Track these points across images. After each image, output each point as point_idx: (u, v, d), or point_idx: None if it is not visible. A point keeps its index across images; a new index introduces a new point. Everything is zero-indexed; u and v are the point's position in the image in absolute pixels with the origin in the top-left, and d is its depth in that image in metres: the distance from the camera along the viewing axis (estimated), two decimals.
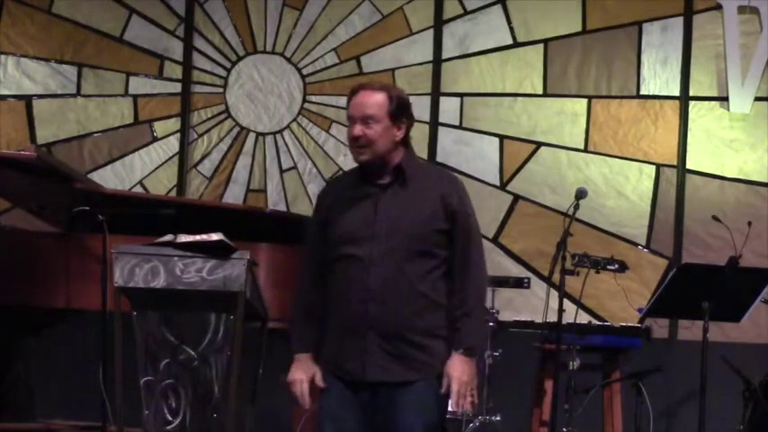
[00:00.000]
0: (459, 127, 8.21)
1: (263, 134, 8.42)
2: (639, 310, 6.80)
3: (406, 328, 4.05)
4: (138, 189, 8.33)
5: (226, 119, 8.46)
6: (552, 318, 6.38)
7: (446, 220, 4.12)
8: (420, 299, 4.06)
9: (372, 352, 4.05)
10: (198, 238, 4.84)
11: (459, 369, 4.07)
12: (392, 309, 4.03)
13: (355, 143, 4.12)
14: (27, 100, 8.50)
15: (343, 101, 8.24)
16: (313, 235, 4.24)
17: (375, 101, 4.12)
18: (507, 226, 8.12)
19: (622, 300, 7.27)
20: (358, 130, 4.11)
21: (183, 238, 4.86)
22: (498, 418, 6.54)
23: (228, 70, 8.47)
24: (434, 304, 4.10)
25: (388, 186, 4.14)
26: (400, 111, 4.15)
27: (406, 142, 4.20)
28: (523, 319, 7.03)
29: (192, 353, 4.85)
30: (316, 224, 4.24)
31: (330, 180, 4.35)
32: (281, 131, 8.39)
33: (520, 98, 8.21)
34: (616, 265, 6.64)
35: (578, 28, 8.17)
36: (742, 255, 6.54)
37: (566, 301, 6.23)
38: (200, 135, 8.46)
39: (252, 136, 8.42)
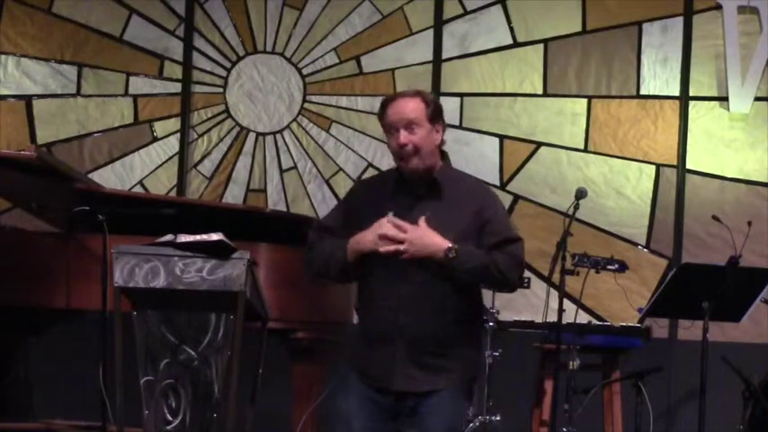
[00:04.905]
0: (459, 127, 8.21)
1: (263, 134, 8.42)
2: (639, 310, 6.80)
3: (434, 339, 4.04)
4: (138, 189, 8.33)
5: (226, 119, 8.46)
6: (552, 318, 6.38)
7: (477, 233, 4.09)
8: (449, 310, 4.06)
9: (400, 361, 4.05)
10: (198, 238, 4.84)
11: (428, 237, 3.99)
12: (421, 319, 4.02)
13: (402, 151, 4.09)
14: (27, 100, 8.50)
15: (343, 101, 8.31)
16: (333, 217, 4.24)
17: (414, 106, 4.11)
18: None
19: (622, 300, 7.27)
20: (404, 137, 4.08)
21: (183, 238, 4.85)
22: (498, 418, 6.53)
23: (228, 70, 8.47)
24: (463, 316, 4.09)
25: (422, 197, 4.13)
26: (437, 114, 4.15)
27: (441, 150, 4.19)
28: (523, 319, 7.02)
29: (192, 353, 4.85)
30: (342, 210, 4.24)
31: (365, 179, 4.31)
32: (281, 131, 8.40)
33: (520, 98, 8.21)
34: (616, 265, 6.64)
35: (578, 28, 8.17)
36: (742, 255, 6.53)
37: (566, 301, 6.22)
38: (201, 135, 8.46)
39: (252, 136, 8.42)
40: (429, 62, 8.27)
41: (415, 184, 4.14)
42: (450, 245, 3.99)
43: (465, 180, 4.28)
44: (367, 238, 4.04)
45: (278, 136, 8.40)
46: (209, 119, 8.47)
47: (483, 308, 4.32)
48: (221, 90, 8.47)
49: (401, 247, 3.99)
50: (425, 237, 3.99)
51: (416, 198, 4.13)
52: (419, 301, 4.02)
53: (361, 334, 4.16)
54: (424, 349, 4.03)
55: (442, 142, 4.18)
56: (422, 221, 4.01)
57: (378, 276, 4.09)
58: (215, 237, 4.84)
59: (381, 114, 4.15)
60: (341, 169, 8.26)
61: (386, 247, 4.00)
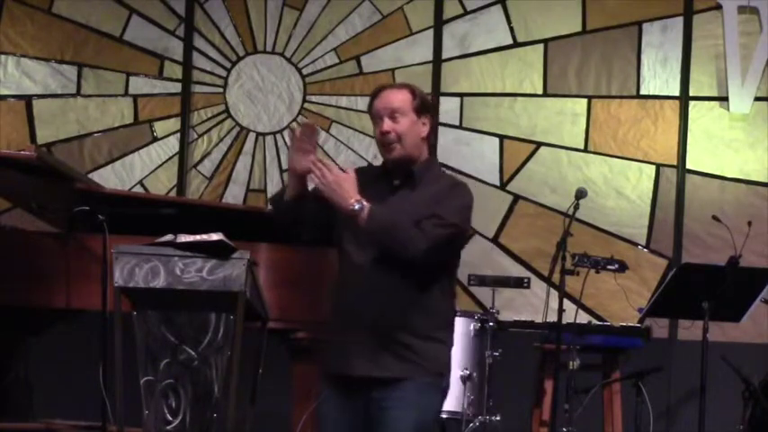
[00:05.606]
0: (459, 127, 8.22)
1: (263, 134, 8.42)
2: (639, 310, 6.80)
3: (394, 328, 4.03)
4: (138, 189, 8.33)
5: (226, 119, 8.46)
6: (552, 318, 6.38)
7: None
8: (410, 300, 4.04)
9: (361, 348, 4.05)
10: (198, 238, 4.84)
11: (349, 183, 4.01)
12: (381, 308, 4.02)
13: (385, 139, 4.11)
14: (27, 100, 8.50)
15: (343, 101, 8.31)
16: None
17: (400, 96, 4.13)
18: (507, 226, 8.12)
19: (622, 300, 7.27)
20: (387, 124, 4.10)
21: (183, 238, 4.85)
22: (498, 418, 6.53)
23: (228, 70, 8.47)
24: (426, 307, 4.07)
25: (398, 188, 4.14)
26: (424, 107, 4.15)
27: (429, 146, 4.19)
28: (523, 319, 7.02)
29: (192, 353, 4.85)
30: None
31: (358, 167, 4.30)
32: (281, 131, 8.40)
33: (520, 98, 8.21)
34: (616, 265, 6.64)
35: (578, 28, 8.18)
36: (742, 255, 6.53)
37: (566, 301, 6.23)
38: (201, 135, 8.46)
39: (252, 136, 8.42)
40: (429, 62, 8.28)
41: (395, 173, 4.15)
42: (361, 199, 3.98)
43: (443, 177, 4.27)
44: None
45: (278, 136, 8.40)
46: (209, 119, 8.47)
47: (453, 302, 4.26)
48: (221, 90, 8.47)
49: (320, 177, 4.01)
50: (345, 183, 4.00)
51: (393, 188, 4.14)
52: (378, 291, 4.02)
53: (330, 322, 4.18)
54: (384, 337, 4.03)
55: (430, 137, 4.19)
56: (350, 170, 4.03)
57: (343, 265, 4.13)
58: (215, 237, 4.83)
59: (369, 106, 4.18)
60: (341, 169, 8.25)
61: (308, 163, 4.06)
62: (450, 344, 4.19)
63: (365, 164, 8.23)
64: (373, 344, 4.04)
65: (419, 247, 3.98)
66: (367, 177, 4.17)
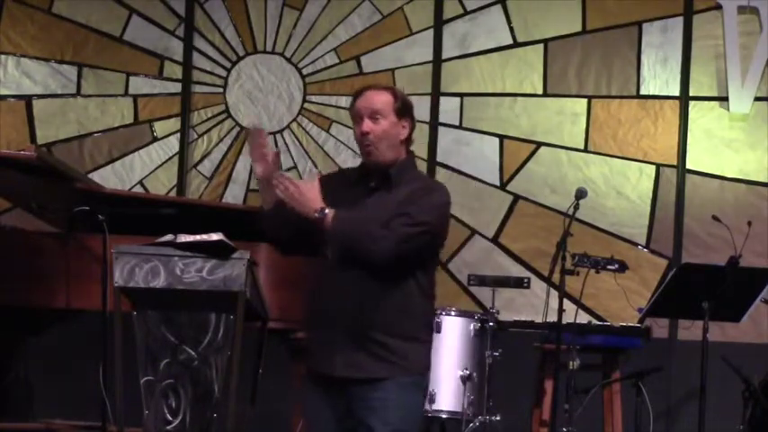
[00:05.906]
0: (459, 127, 8.21)
1: None
2: (639, 310, 6.80)
3: (370, 328, 4.05)
4: (138, 189, 8.33)
5: (226, 119, 8.46)
6: (552, 318, 6.38)
7: None
8: (386, 300, 4.05)
9: (340, 348, 4.06)
10: (198, 238, 4.84)
11: (311, 192, 4.02)
12: (357, 307, 4.04)
13: (364, 139, 4.12)
14: (27, 100, 8.50)
15: (343, 101, 8.31)
16: None
17: (381, 98, 4.15)
18: (507, 226, 8.12)
19: (622, 300, 7.27)
20: (367, 125, 4.11)
21: (183, 238, 4.85)
22: (498, 418, 6.54)
23: (228, 70, 8.47)
24: (403, 306, 4.08)
25: (375, 190, 4.15)
26: (405, 110, 4.17)
27: (408, 148, 4.21)
28: (523, 319, 7.02)
29: (192, 353, 4.85)
30: None
31: (335, 171, 4.33)
32: (281, 131, 8.40)
33: (520, 98, 8.21)
34: (616, 265, 6.65)
35: (578, 28, 8.17)
36: (742, 255, 6.54)
37: (566, 301, 6.23)
38: (201, 135, 8.46)
39: None
40: (429, 62, 8.27)
41: (372, 175, 4.16)
42: (324, 206, 4.00)
43: (420, 178, 4.29)
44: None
45: (278, 136, 8.40)
46: (209, 119, 8.47)
47: (432, 302, 4.26)
48: (221, 90, 8.47)
49: (282, 190, 4.01)
50: (307, 192, 4.02)
51: (370, 190, 4.15)
52: (354, 292, 4.03)
53: (308, 322, 4.20)
54: (362, 337, 4.04)
55: (410, 140, 4.20)
56: (316, 180, 4.05)
57: (320, 265, 4.14)
58: (215, 237, 4.84)
59: (351, 106, 4.20)
60: (341, 169, 8.26)
61: (267, 166, 4.08)
62: (429, 342, 4.20)
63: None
64: (352, 344, 4.05)
65: (387, 247, 4.00)
66: (343, 181, 4.20)
